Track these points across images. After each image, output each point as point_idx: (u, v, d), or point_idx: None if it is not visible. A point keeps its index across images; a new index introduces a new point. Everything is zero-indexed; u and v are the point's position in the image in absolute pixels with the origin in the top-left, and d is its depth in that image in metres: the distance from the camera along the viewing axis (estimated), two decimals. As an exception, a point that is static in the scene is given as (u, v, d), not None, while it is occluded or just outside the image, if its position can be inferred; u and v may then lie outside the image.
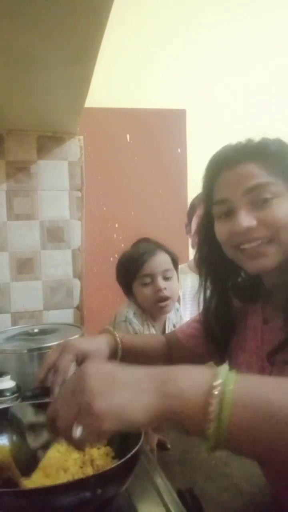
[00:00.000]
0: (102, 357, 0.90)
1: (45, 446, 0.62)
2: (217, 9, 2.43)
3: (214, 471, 1.00)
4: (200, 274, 0.88)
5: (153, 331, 1.31)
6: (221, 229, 0.77)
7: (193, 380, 0.48)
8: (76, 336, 1.18)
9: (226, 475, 0.98)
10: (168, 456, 1.07)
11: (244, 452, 0.48)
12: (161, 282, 1.26)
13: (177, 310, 1.45)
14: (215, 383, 0.46)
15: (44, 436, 0.62)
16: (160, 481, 0.75)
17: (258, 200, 0.71)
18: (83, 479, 0.56)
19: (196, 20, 2.40)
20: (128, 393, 0.48)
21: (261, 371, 0.79)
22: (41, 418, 0.62)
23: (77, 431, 0.47)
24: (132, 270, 1.28)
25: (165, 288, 1.25)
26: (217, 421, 0.45)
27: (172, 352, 1.01)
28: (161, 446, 1.11)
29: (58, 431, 0.51)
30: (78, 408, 0.48)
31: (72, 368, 0.86)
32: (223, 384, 0.46)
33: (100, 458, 0.67)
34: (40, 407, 0.68)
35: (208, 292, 0.87)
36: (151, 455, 0.87)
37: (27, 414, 0.69)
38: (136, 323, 1.27)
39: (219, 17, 2.43)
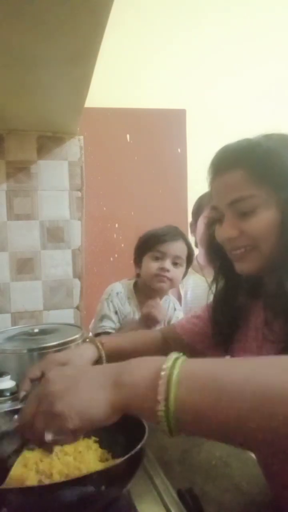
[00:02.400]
0: (83, 364, 0.91)
1: (18, 451, 0.62)
2: (217, 9, 2.43)
3: (214, 471, 1.00)
4: (213, 268, 0.92)
5: (137, 316, 1.36)
6: (217, 234, 0.82)
7: (145, 367, 0.49)
8: (77, 336, 1.18)
9: (226, 475, 0.97)
10: (168, 456, 1.07)
11: (198, 433, 0.48)
12: (168, 264, 1.33)
13: (175, 309, 1.47)
14: (163, 366, 0.47)
15: (17, 442, 0.63)
16: (160, 481, 0.75)
17: (241, 211, 0.75)
18: (87, 476, 0.56)
19: (196, 20, 2.40)
20: (86, 392, 0.50)
21: None
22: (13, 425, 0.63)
23: (49, 436, 0.50)
24: (150, 243, 1.36)
25: (168, 271, 1.32)
26: (166, 401, 0.45)
27: (169, 346, 1.01)
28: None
29: (30, 438, 0.53)
30: (44, 414, 0.50)
31: None
32: (171, 366, 0.47)
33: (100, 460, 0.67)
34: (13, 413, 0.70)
35: (220, 285, 0.90)
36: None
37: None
38: (117, 302, 1.37)
39: (219, 17, 2.43)
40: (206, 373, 0.46)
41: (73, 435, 0.51)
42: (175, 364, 0.47)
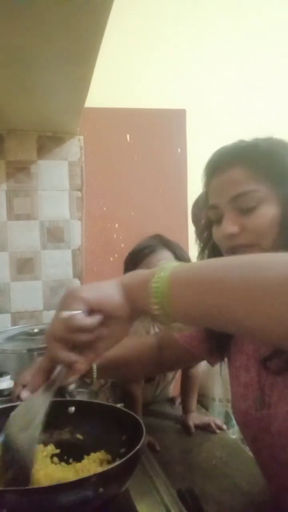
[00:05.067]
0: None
1: None
2: (218, 9, 2.43)
3: (214, 471, 1.00)
4: None
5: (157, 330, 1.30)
6: (215, 234, 0.80)
7: (144, 272, 0.57)
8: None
9: (226, 475, 0.98)
10: (168, 456, 1.07)
11: (188, 319, 0.55)
12: None
13: None
14: (157, 269, 0.54)
15: None
16: (160, 481, 0.75)
17: (243, 207, 0.74)
18: (85, 479, 0.56)
19: (196, 20, 2.40)
20: (103, 286, 0.58)
21: (259, 374, 0.79)
22: None
23: (66, 313, 0.55)
24: (131, 264, 1.28)
25: None
26: (159, 292, 0.52)
27: (164, 351, 0.99)
28: (150, 447, 1.09)
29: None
30: (67, 299, 0.56)
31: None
32: (164, 268, 0.54)
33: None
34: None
35: None
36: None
37: None
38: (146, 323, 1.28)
39: (219, 17, 2.43)
40: (193, 269, 0.53)
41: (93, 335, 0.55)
42: (167, 266, 0.54)
